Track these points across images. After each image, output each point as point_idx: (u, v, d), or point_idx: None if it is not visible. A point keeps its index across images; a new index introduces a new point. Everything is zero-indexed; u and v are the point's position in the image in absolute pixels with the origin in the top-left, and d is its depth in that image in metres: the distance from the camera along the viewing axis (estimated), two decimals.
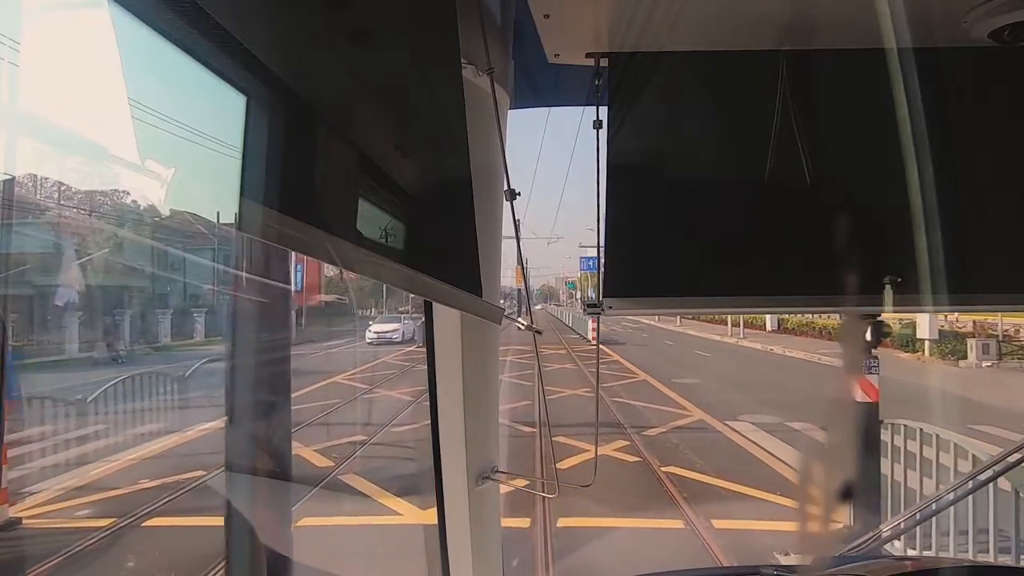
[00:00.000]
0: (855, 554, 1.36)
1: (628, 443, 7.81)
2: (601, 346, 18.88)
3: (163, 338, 15.61)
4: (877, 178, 1.08)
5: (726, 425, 9.05)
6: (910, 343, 16.73)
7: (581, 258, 33.11)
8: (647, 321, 32.49)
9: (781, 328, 24.84)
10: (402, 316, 22.39)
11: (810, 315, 20.98)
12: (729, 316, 22.41)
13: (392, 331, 20.39)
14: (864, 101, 1.08)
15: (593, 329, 19.93)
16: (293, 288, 23.22)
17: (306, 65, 0.61)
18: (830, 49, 1.05)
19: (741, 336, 23.45)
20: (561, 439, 6.61)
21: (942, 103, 1.04)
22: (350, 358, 16.84)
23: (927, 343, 16.25)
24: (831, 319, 19.76)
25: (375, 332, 20.26)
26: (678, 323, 30.90)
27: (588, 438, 6.99)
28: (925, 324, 15.90)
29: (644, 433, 8.50)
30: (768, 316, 24.13)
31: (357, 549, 4.99)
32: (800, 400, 9.66)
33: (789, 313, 19.48)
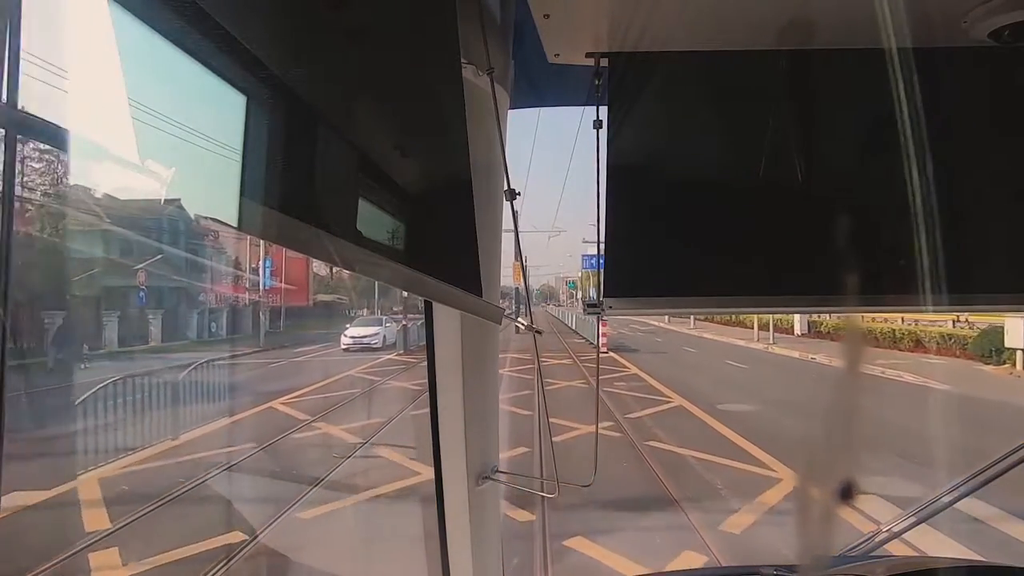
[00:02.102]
0: (855, 554, 1.36)
1: (701, 549, 4.53)
2: (613, 354, 16.44)
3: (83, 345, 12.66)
4: (877, 178, 1.08)
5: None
6: (994, 353, 13.69)
7: (583, 256, 31.75)
8: (655, 323, 30.52)
9: (813, 331, 22.01)
10: (383, 318, 20.29)
11: (846, 317, 18.99)
12: (756, 318, 20.79)
13: (370, 336, 18.07)
14: (864, 101, 1.08)
15: (603, 334, 17.74)
16: (261, 287, 20.28)
17: (306, 65, 0.61)
18: (830, 49, 1.05)
19: (771, 341, 20.35)
20: (579, 544, 4.39)
21: (942, 103, 1.04)
22: (312, 370, 13.93)
23: (1020, 353, 12.95)
24: (875, 321, 17.72)
25: (351, 337, 17.93)
26: (691, 325, 28.66)
27: (636, 550, 4.34)
28: (1019, 330, 12.51)
29: (722, 528, 4.94)
30: (797, 318, 21.92)
31: None
32: (930, 448, 6.17)
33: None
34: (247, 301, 20.87)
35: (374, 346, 17.72)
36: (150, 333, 15.54)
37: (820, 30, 1.01)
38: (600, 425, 7.53)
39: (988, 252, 1.09)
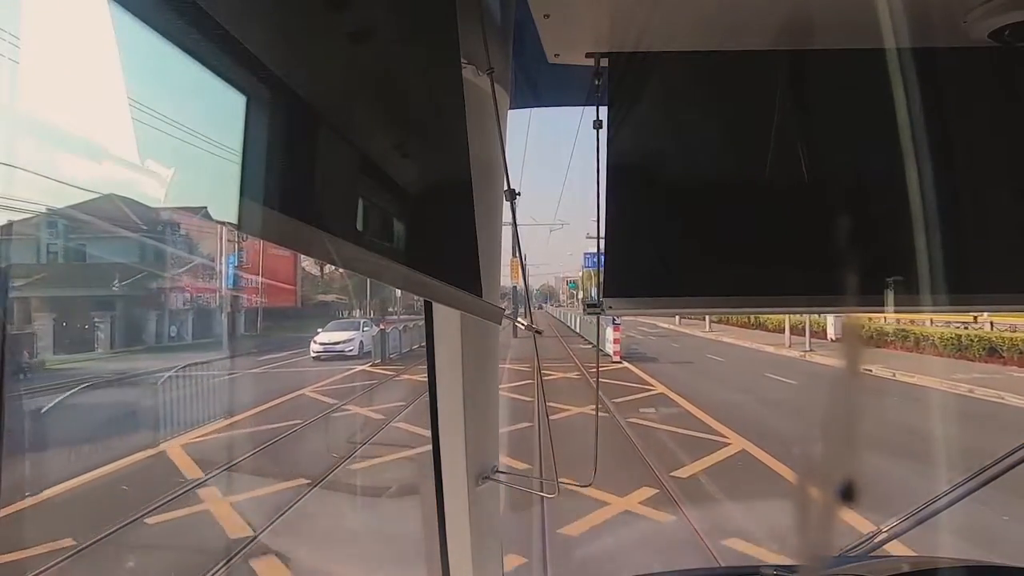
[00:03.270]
0: (855, 554, 1.36)
1: None
2: (629, 365, 14.48)
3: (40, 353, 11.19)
4: (877, 178, 1.08)
5: None
6: None
7: (585, 253, 30.38)
8: (665, 324, 28.54)
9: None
10: (361, 321, 17.77)
11: (900, 319, 15.35)
12: (787, 321, 18.87)
13: (344, 342, 15.66)
14: (864, 101, 1.08)
15: (615, 341, 15.77)
16: (223, 286, 17.88)
17: (306, 65, 0.61)
18: (830, 49, 1.05)
19: (807, 348, 17.27)
20: None
21: (942, 103, 1.04)
22: (261, 387, 11.25)
23: None
24: (935, 326, 15.81)
25: (321, 344, 15.53)
26: (707, 327, 26.13)
27: None
28: None
29: None
30: (830, 321, 18.79)
31: None
32: None
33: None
34: (221, 301, 18.28)
35: (348, 354, 15.34)
36: (96, 339, 13.40)
37: (820, 30, 1.01)
38: (642, 496, 5.50)
39: (988, 252, 1.09)
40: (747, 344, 20.26)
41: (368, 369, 13.39)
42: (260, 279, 19.49)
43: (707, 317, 24.07)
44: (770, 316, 20.93)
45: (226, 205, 0.57)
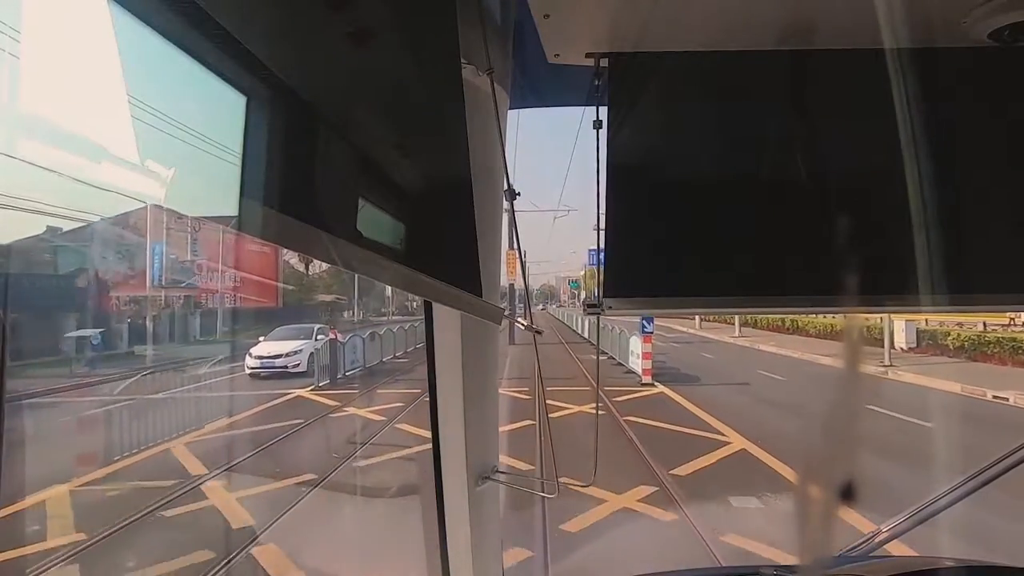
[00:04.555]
0: (855, 554, 1.36)
1: None
2: (666, 389, 11.18)
3: None
4: (877, 178, 1.08)
5: None
6: None
7: (589, 250, 29.65)
8: (681, 327, 26.81)
9: (924, 345, 15.40)
10: (316, 327, 14.08)
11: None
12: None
13: (287, 355, 12.39)
14: (864, 101, 1.09)
15: (645, 356, 11.83)
16: (149, 283, 14.20)
17: (306, 65, 0.62)
18: (830, 49, 1.05)
19: (887, 363, 13.38)
20: None
21: (942, 103, 1.04)
22: (113, 433, 7.50)
23: None
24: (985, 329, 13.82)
25: (258, 357, 12.33)
26: (737, 332, 22.90)
27: None
28: None
29: None
30: (901, 327, 15.67)
31: None
32: None
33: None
34: (175, 302, 15.30)
35: (291, 369, 12.13)
36: None
37: (820, 30, 1.01)
38: None
39: (988, 252, 1.09)
40: (795, 354, 16.22)
41: (306, 395, 10.01)
42: (222, 271, 16.08)
43: (736, 320, 22.88)
44: (812, 318, 19.83)
45: (226, 205, 0.58)
